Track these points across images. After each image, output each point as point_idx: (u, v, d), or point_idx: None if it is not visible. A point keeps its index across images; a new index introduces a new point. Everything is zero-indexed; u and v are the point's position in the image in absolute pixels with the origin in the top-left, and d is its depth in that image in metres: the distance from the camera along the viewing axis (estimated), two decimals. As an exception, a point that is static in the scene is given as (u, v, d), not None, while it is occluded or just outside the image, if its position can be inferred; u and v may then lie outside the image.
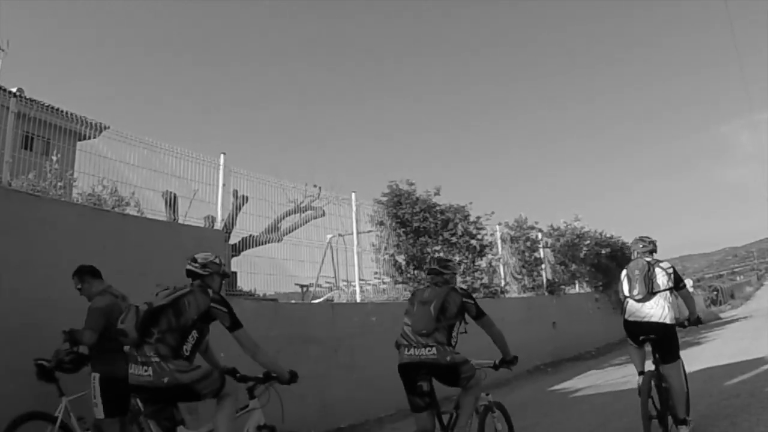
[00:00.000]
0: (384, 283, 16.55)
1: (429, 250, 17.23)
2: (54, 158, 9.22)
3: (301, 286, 14.67)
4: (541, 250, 23.50)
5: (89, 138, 9.73)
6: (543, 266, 23.39)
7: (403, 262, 16.70)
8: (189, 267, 5.89)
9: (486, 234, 19.65)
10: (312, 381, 11.54)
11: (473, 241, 18.48)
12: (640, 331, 7.74)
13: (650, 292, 7.66)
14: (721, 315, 30.42)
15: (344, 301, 14.51)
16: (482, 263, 19.16)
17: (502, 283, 20.55)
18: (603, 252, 26.89)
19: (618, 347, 24.81)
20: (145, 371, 5.16)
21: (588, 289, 26.71)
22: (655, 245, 8.18)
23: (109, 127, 9.90)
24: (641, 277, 7.70)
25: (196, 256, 5.97)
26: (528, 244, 22.79)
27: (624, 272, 8.08)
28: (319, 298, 14.63)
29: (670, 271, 7.82)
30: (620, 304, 8.31)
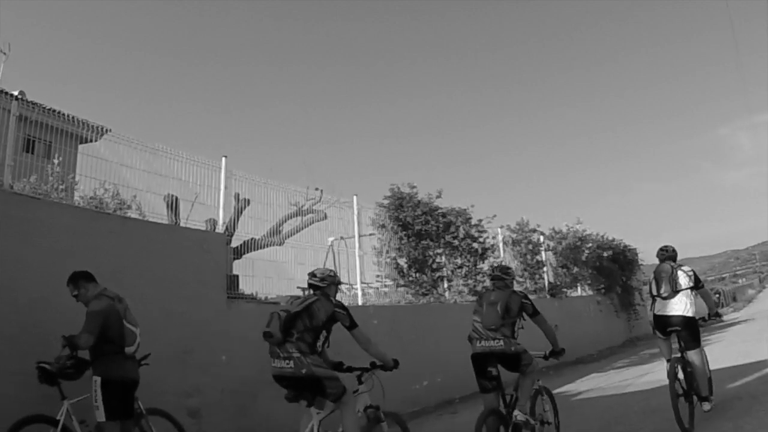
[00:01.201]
0: (386, 286, 16.57)
1: (431, 253, 17.28)
2: (55, 161, 9.22)
3: (303, 289, 14.65)
4: (542, 253, 23.51)
5: (91, 141, 9.75)
6: (545, 269, 23.40)
7: (405, 265, 16.72)
8: (310, 281, 7.18)
9: (488, 237, 19.69)
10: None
11: (475, 244, 18.50)
12: (667, 324, 9.28)
13: (674, 290, 9.21)
14: (723, 318, 30.39)
15: (346, 304, 14.53)
16: (484, 266, 19.11)
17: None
18: (605, 255, 26.89)
19: (620, 350, 24.84)
20: (287, 364, 6.42)
21: (590, 292, 26.67)
22: (675, 252, 9.90)
23: (110, 130, 9.92)
24: (666, 279, 9.31)
25: (314, 271, 7.32)
26: (530, 247, 22.81)
27: (652, 275, 9.76)
28: (321, 300, 14.63)
29: (691, 273, 9.41)
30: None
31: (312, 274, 7.25)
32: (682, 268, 9.48)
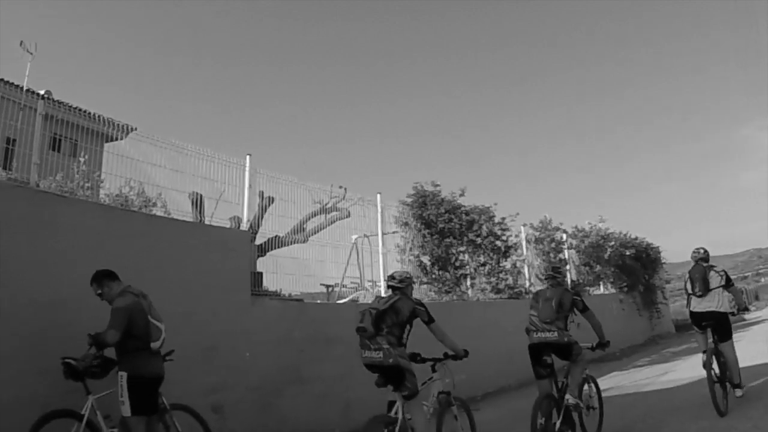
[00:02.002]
0: (409, 283, 16.56)
1: (454, 251, 17.25)
2: (81, 159, 9.29)
3: (327, 287, 14.70)
4: (565, 251, 23.42)
5: (116, 139, 9.82)
6: (568, 267, 23.26)
7: (428, 263, 16.70)
8: (390, 283, 7.92)
9: (511, 235, 19.64)
10: (335, 381, 11.59)
11: (498, 242, 18.46)
12: (702, 319, 10.22)
13: (708, 289, 10.15)
14: (745, 317, 30.25)
15: (369, 302, 14.56)
16: (507, 264, 19.11)
17: (527, 284, 20.47)
18: (627, 253, 26.72)
19: (642, 349, 24.70)
20: (377, 354, 7.26)
21: (612, 291, 26.54)
22: (707, 253, 10.77)
23: (136, 129, 9.98)
24: (700, 279, 10.26)
25: (393, 274, 8.10)
26: (553, 245, 22.69)
27: (687, 275, 10.68)
28: (344, 298, 14.66)
29: (722, 273, 10.30)
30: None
31: (391, 277, 8.05)
32: (715, 268, 10.39)
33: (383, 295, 8.58)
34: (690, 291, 10.51)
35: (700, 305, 10.27)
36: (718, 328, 10.12)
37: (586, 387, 9.19)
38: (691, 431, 8.97)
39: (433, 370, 8.20)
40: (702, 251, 10.80)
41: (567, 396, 8.56)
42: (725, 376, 9.91)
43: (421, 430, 7.32)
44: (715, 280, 10.21)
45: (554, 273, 9.56)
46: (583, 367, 9.03)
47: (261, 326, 10.60)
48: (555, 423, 8.27)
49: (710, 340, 10.20)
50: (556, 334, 8.68)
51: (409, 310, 7.58)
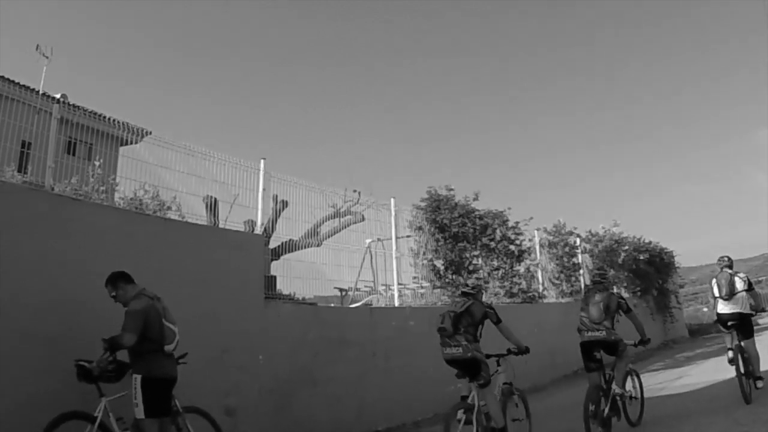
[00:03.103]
0: (422, 287, 16.56)
1: (467, 255, 17.23)
2: (96, 163, 9.33)
3: (340, 290, 14.71)
4: (579, 256, 23.37)
5: (131, 143, 9.86)
6: (581, 272, 23.23)
7: (442, 267, 16.68)
8: (464, 290, 9.08)
9: (524, 239, 19.59)
10: (349, 383, 11.62)
11: (512, 247, 18.43)
12: (728, 319, 11.39)
13: (733, 293, 11.34)
14: (759, 321, 30.09)
15: (383, 305, 14.53)
16: (520, 268, 19.08)
17: (540, 288, 20.48)
18: (641, 258, 26.58)
19: (657, 353, 24.60)
20: (457, 350, 8.32)
21: (626, 295, 26.42)
22: (731, 261, 11.93)
23: (150, 133, 10.00)
24: (726, 284, 11.43)
25: (467, 282, 10.21)
26: (566, 249, 22.64)
27: (714, 281, 11.84)
28: (358, 301, 14.65)
29: (745, 279, 11.55)
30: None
31: (465, 285, 9.98)
32: (738, 274, 11.62)
33: (457, 299, 9.33)
34: (717, 295, 11.60)
35: (726, 307, 11.44)
36: (742, 327, 11.29)
37: (629, 379, 10.33)
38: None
39: (498, 364, 9.08)
40: (726, 259, 11.94)
41: (613, 386, 9.66)
42: (748, 370, 10.97)
43: (494, 413, 8.34)
44: (739, 284, 11.40)
45: (600, 278, 10.50)
46: (627, 362, 10.20)
47: (274, 329, 10.61)
48: (603, 410, 9.34)
49: (735, 339, 11.22)
50: (604, 332, 9.72)
51: (481, 312, 8.67)
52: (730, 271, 11.76)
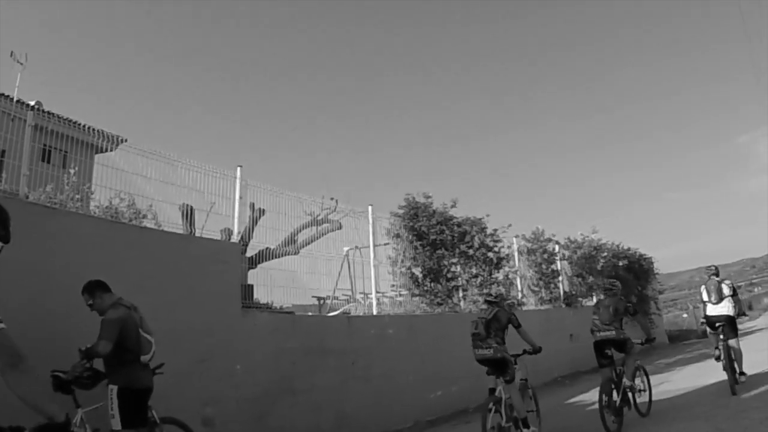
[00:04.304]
0: (401, 295, 16.52)
1: (446, 262, 17.19)
2: (71, 171, 9.24)
3: (318, 299, 14.68)
4: (558, 263, 23.43)
5: (107, 151, 9.77)
6: (560, 278, 23.32)
7: (420, 275, 16.65)
8: (488, 299, 10.52)
9: (503, 246, 19.52)
10: (328, 392, 11.59)
11: (490, 254, 18.39)
12: (716, 321, 12.87)
13: (721, 298, 12.89)
14: (740, 326, 30.30)
15: (361, 314, 14.52)
16: (499, 276, 19.03)
17: (519, 295, 20.51)
18: (620, 264, 26.66)
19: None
20: (489, 351, 9.65)
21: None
22: (718, 269, 13.70)
23: (126, 140, 9.91)
24: (714, 290, 13.00)
25: (490, 291, 12.02)
26: (545, 256, 22.68)
27: (703, 287, 13.56)
28: (336, 310, 14.64)
29: (730, 285, 13.21)
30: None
31: (489, 294, 11.59)
32: (725, 282, 13.23)
33: (483, 307, 10.79)
34: (707, 300, 13.18)
35: (714, 310, 12.97)
36: (728, 327, 12.76)
37: (637, 374, 11.48)
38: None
39: (515, 363, 10.00)
40: (714, 268, 13.70)
41: (624, 379, 10.87)
42: (732, 366, 12.37)
43: (517, 405, 9.67)
44: (726, 290, 12.98)
45: (610, 286, 11.79)
46: (635, 358, 11.40)
47: (252, 339, 10.56)
48: (616, 401, 10.57)
49: (721, 338, 12.61)
50: (614, 332, 10.93)
51: (506, 318, 10.01)
52: (717, 278, 13.34)
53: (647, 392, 11.72)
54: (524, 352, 10.49)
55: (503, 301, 10.88)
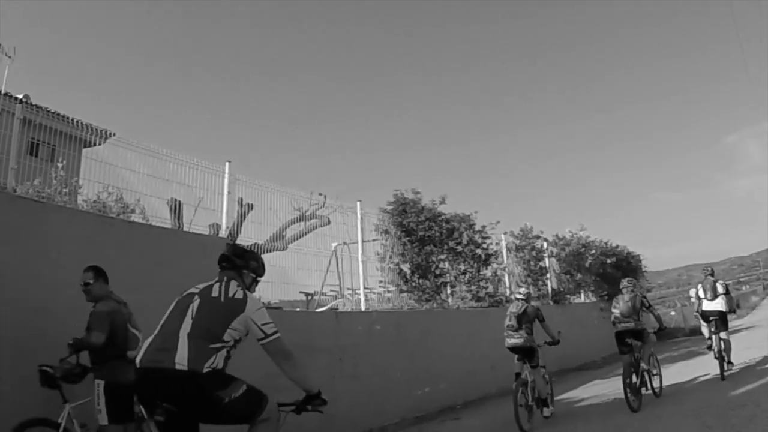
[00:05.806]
0: (389, 291, 16.53)
1: (434, 258, 17.23)
2: (59, 165, 9.21)
3: (306, 295, 14.65)
4: (546, 260, 23.51)
5: (95, 145, 9.71)
6: (548, 275, 23.40)
7: (408, 271, 16.68)
8: (517, 297, 12.26)
9: (491, 243, 19.67)
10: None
11: (478, 250, 18.47)
12: (710, 315, 14.69)
13: (715, 295, 14.72)
14: (733, 324, 30.34)
15: (349, 310, 14.49)
16: (487, 272, 19.14)
17: (507, 292, 20.49)
18: (608, 261, 26.79)
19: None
20: (519, 340, 11.43)
21: (593, 299, 26.65)
22: (713, 270, 15.96)
23: (114, 134, 9.86)
24: (710, 288, 14.80)
25: (519, 290, 12.68)
26: (533, 253, 22.71)
27: (699, 285, 15.31)
28: (324, 306, 14.62)
29: (724, 284, 15.08)
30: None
31: (518, 292, 12.47)
32: (719, 281, 15.13)
33: (515, 301, 12.25)
34: (703, 296, 15.00)
35: (709, 306, 14.80)
36: (719, 321, 14.53)
37: (652, 359, 12.88)
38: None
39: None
40: (709, 269, 15.97)
41: (642, 364, 12.31)
42: (722, 355, 13.98)
43: (540, 387, 11.47)
44: (720, 289, 14.82)
45: (627, 283, 13.14)
46: (650, 346, 12.90)
47: (240, 334, 10.50)
48: (635, 382, 11.94)
49: (713, 331, 14.42)
50: (633, 324, 12.39)
51: (534, 313, 11.88)
52: (712, 278, 15.23)
53: (659, 375, 13.11)
54: (545, 343, 12.27)
55: (530, 298, 12.38)
